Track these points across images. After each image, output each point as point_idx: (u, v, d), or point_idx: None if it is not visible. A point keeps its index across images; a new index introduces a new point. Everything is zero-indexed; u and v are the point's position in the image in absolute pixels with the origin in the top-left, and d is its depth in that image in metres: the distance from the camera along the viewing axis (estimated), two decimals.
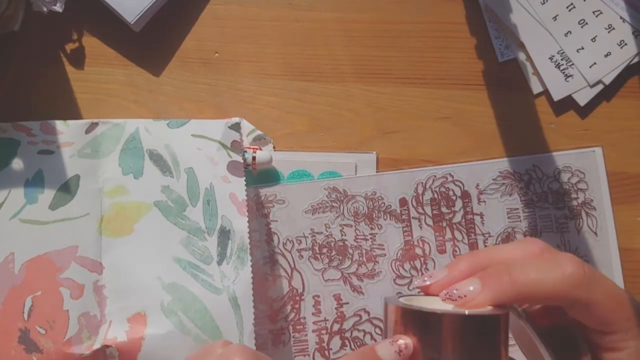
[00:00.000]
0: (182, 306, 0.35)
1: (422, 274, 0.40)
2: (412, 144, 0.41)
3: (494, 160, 0.40)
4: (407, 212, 0.40)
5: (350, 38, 0.42)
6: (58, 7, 0.39)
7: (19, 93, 0.41)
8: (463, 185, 0.40)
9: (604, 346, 0.24)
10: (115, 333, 0.35)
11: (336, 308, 0.39)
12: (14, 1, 0.39)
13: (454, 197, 0.40)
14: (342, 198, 0.40)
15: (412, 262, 0.40)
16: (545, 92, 0.41)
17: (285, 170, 0.41)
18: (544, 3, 0.41)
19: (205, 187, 0.37)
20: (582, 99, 0.40)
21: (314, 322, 0.39)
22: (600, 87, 0.40)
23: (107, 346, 0.34)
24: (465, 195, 0.40)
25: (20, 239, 0.36)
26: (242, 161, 0.38)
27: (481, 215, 0.40)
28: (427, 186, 0.40)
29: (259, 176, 0.41)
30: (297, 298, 0.40)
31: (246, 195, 0.37)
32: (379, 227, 0.40)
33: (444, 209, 0.40)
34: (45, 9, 0.39)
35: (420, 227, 0.40)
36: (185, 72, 0.42)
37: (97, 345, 0.34)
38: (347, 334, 0.39)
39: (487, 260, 0.25)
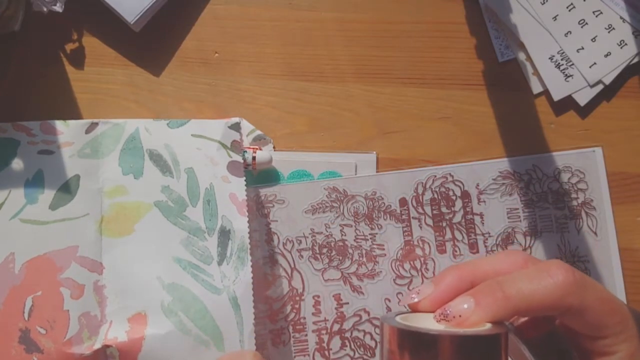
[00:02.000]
0: (182, 306, 0.35)
1: (422, 274, 0.40)
2: (412, 144, 0.41)
3: (494, 160, 0.40)
4: (407, 212, 0.40)
5: (350, 38, 0.42)
6: (58, 7, 0.39)
7: (19, 93, 0.41)
8: (463, 185, 0.40)
9: (596, 351, 0.24)
10: (115, 333, 0.35)
11: (336, 308, 0.40)
12: (14, 1, 0.39)
13: (454, 197, 0.40)
14: (342, 198, 0.40)
15: (412, 262, 0.40)
16: (545, 92, 0.41)
17: (285, 170, 0.41)
18: (544, 3, 0.41)
19: (206, 187, 0.37)
20: (582, 99, 0.40)
21: (314, 322, 0.39)
22: (600, 87, 0.40)
23: (108, 346, 0.34)
24: (465, 195, 0.40)
25: (20, 239, 0.36)
26: (242, 161, 0.38)
27: (481, 215, 0.40)
28: (427, 186, 0.40)
29: (259, 176, 0.41)
30: (297, 298, 0.40)
31: (246, 195, 0.37)
32: (379, 227, 0.40)
33: (444, 209, 0.40)
34: (45, 9, 0.39)
35: (420, 227, 0.40)
36: (185, 72, 0.42)
37: (97, 345, 0.34)
38: (347, 334, 0.39)
39: (472, 274, 0.25)
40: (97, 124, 0.39)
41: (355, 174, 0.41)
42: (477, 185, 0.40)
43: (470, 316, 0.22)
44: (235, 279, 0.36)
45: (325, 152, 0.41)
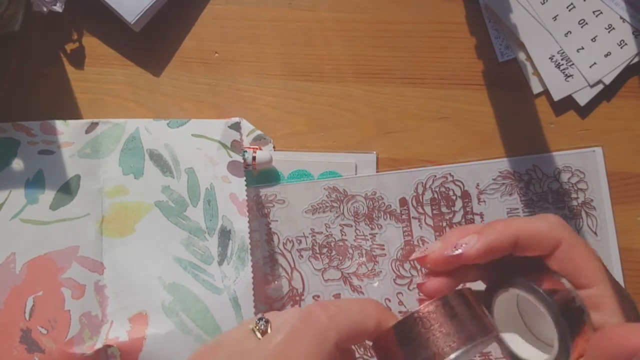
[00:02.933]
0: (183, 306, 0.35)
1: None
2: (412, 144, 0.41)
3: (494, 160, 0.40)
4: (407, 212, 0.40)
5: (350, 38, 0.42)
6: (58, 7, 0.39)
7: (19, 93, 0.41)
8: (463, 185, 0.40)
9: (589, 305, 0.24)
10: (116, 333, 0.35)
11: None
12: (14, 1, 0.39)
13: (454, 197, 0.40)
14: (342, 198, 0.40)
15: (412, 262, 0.40)
16: (545, 92, 0.41)
17: (285, 170, 0.41)
18: (544, 3, 0.41)
19: (206, 187, 0.38)
20: (582, 99, 0.40)
21: None
22: (600, 87, 0.40)
23: (109, 346, 0.34)
24: (465, 195, 0.40)
25: (21, 239, 0.36)
26: (242, 161, 0.38)
27: (481, 215, 0.40)
28: (427, 186, 0.40)
29: (259, 176, 0.41)
30: (297, 298, 0.40)
31: (246, 195, 0.37)
32: (379, 227, 0.40)
33: (444, 209, 0.40)
34: (45, 9, 0.39)
35: (420, 227, 0.40)
36: (185, 72, 0.42)
37: (98, 345, 0.35)
38: None
39: (476, 232, 0.26)
40: (97, 124, 0.39)
41: (355, 174, 0.41)
42: (477, 185, 0.40)
43: (475, 244, 0.25)
44: (235, 279, 0.36)
45: (325, 152, 0.41)
